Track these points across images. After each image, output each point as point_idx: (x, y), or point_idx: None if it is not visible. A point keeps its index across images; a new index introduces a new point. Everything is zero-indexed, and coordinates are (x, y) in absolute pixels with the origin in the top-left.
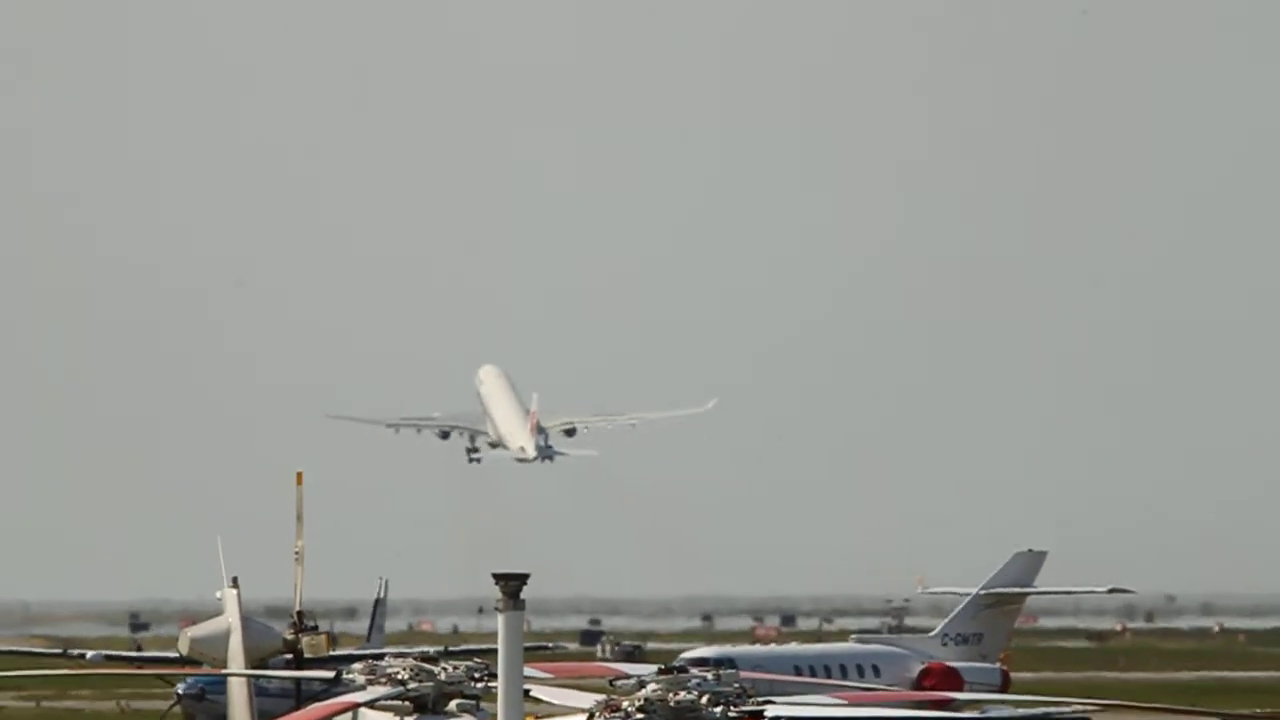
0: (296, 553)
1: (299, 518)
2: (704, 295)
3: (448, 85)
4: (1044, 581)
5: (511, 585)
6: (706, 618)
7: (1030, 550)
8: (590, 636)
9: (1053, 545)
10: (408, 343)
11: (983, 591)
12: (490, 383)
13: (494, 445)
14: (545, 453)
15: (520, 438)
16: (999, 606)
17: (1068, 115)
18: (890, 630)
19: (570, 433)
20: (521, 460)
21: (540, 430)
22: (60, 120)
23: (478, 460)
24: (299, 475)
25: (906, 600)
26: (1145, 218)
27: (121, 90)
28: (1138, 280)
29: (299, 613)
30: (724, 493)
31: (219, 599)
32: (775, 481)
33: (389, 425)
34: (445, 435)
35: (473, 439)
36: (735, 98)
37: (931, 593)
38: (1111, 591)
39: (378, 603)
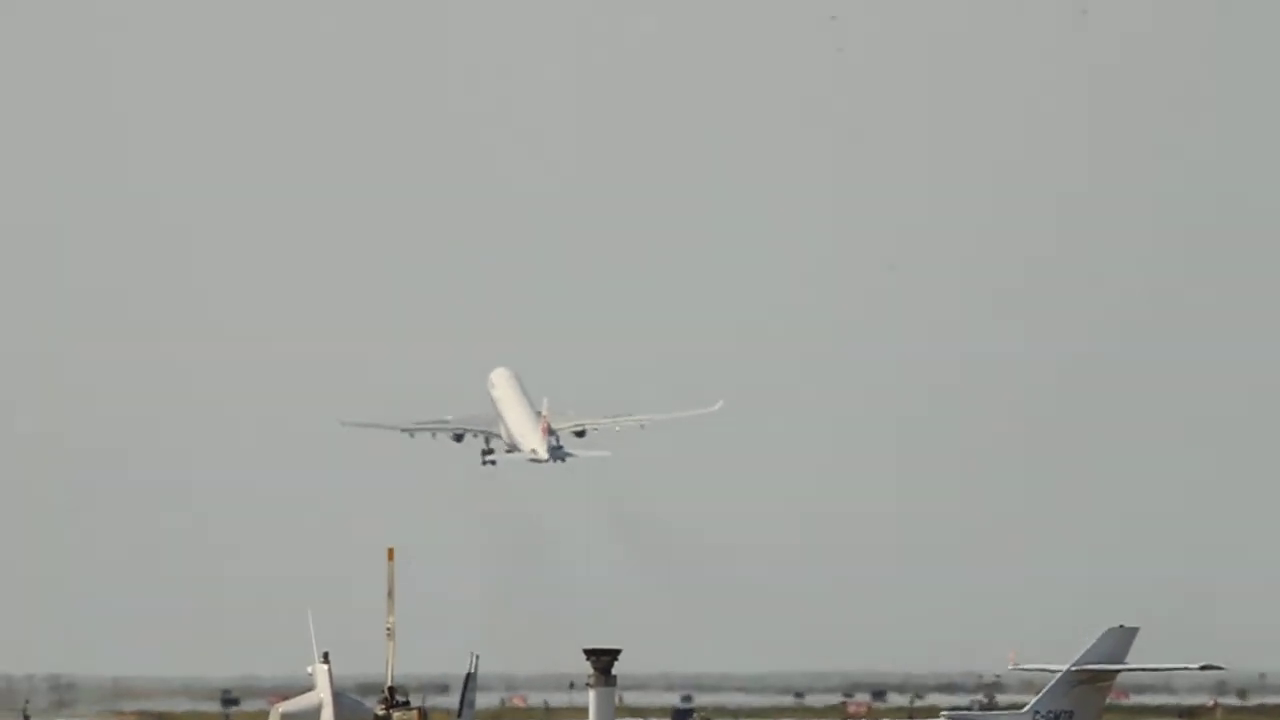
0: (388, 628)
1: (390, 594)
2: (717, 303)
3: (455, 96)
4: (1135, 658)
5: (602, 661)
6: (798, 694)
7: (1122, 626)
8: (682, 715)
9: (1144, 622)
10: (419, 348)
11: (1074, 668)
12: (502, 386)
13: (509, 449)
14: (556, 454)
15: (532, 440)
16: (1091, 683)
17: None
18: (982, 707)
19: (580, 434)
20: (534, 461)
21: (551, 432)
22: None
23: (492, 462)
24: (390, 551)
25: (998, 676)
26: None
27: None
28: (1224, 363)
29: (390, 688)
30: (817, 568)
31: (310, 675)
32: (867, 557)
33: (404, 430)
34: (459, 438)
35: (487, 441)
36: (736, 101)
37: (1023, 669)
38: (1203, 668)
39: (469, 678)
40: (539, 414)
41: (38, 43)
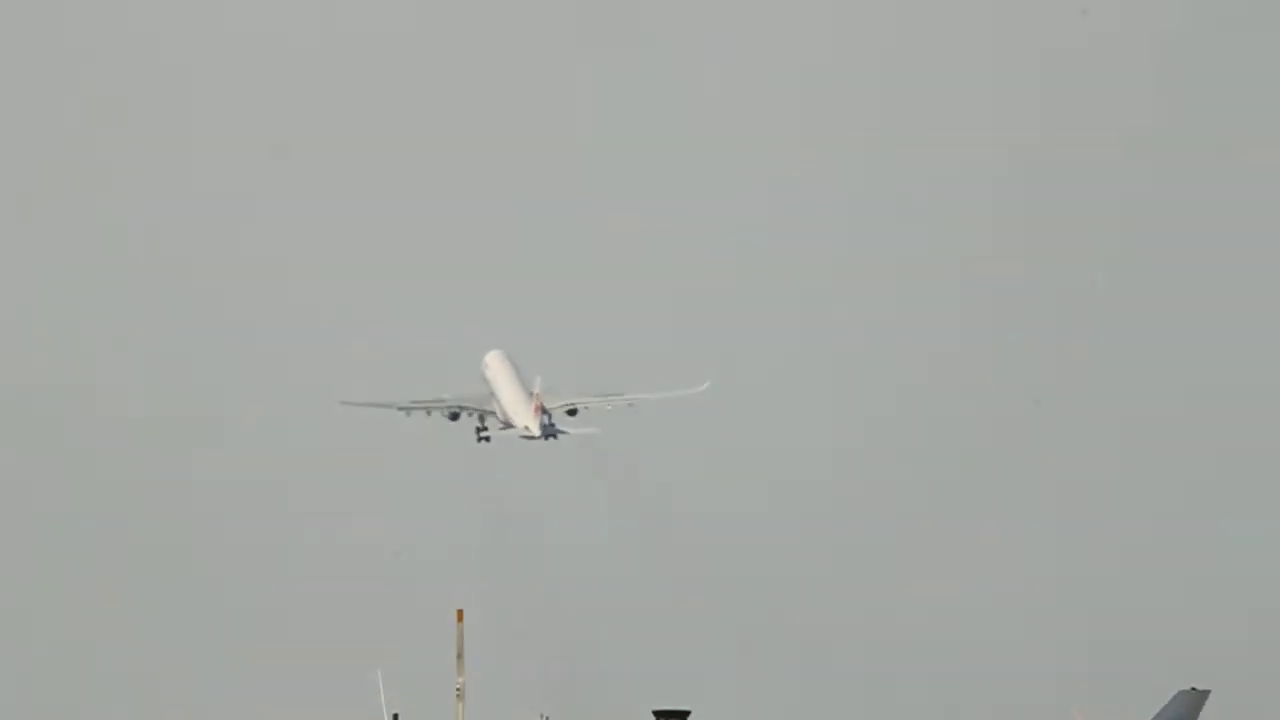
0: (458, 689)
1: (459, 655)
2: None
3: (444, 87)
4: None
5: None
6: None
7: (1193, 689)
8: None
9: (1216, 684)
10: (415, 330)
11: None
12: (495, 366)
13: (503, 427)
14: (549, 431)
15: (525, 418)
16: None
17: None
18: None
19: (572, 413)
20: (526, 438)
21: (544, 411)
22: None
23: (487, 439)
24: (459, 613)
25: None
26: None
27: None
28: None
29: None
30: (878, 633)
31: None
32: (930, 617)
33: (400, 408)
34: (455, 417)
35: (481, 419)
36: (730, 80)
37: None
38: None
39: None
40: (532, 393)
41: None
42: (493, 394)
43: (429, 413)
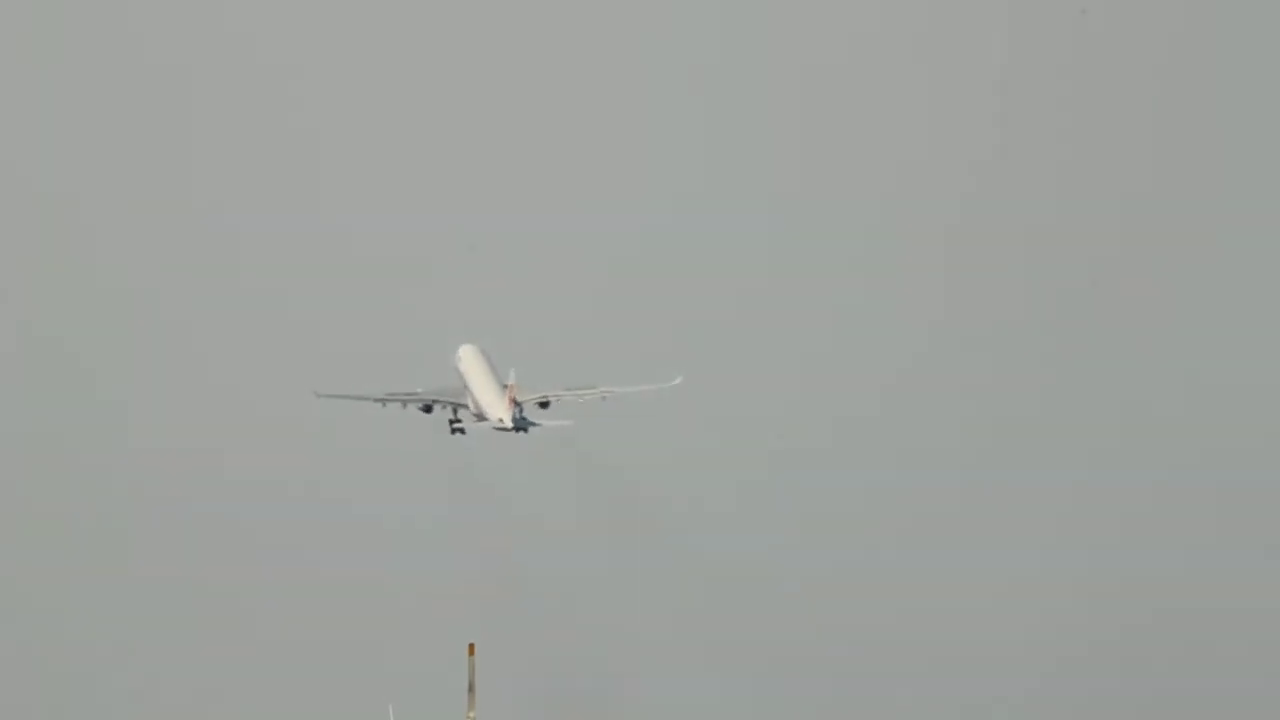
0: None
1: (470, 688)
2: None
3: (432, 77)
4: None
5: None
6: None
7: None
8: None
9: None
10: (390, 325)
11: None
12: (469, 360)
13: (476, 419)
14: (520, 424)
15: (498, 409)
16: None
17: None
18: None
19: (545, 405)
20: (499, 430)
21: (516, 403)
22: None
23: (461, 431)
24: (471, 646)
25: None
26: None
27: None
28: None
29: None
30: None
31: None
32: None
33: (376, 400)
34: (428, 409)
35: (455, 411)
36: (716, 76)
37: None
38: None
39: None
40: (505, 386)
41: None
42: (466, 387)
43: (404, 405)
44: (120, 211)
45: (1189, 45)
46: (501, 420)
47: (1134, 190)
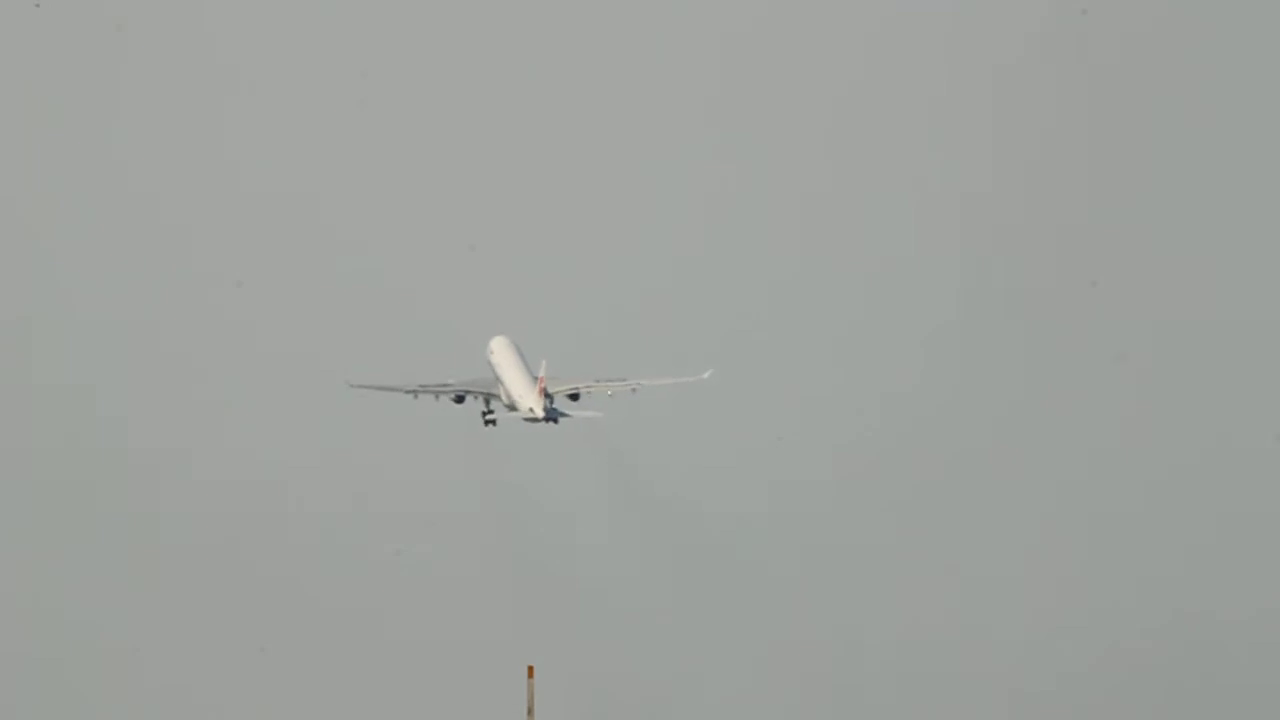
0: None
1: (530, 710)
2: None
3: (446, 79)
4: None
5: None
6: None
7: None
8: None
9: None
10: (423, 317)
11: None
12: (500, 352)
13: (508, 409)
14: (551, 414)
15: (529, 400)
16: None
17: None
18: None
19: (575, 396)
20: (530, 420)
21: (547, 395)
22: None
23: (493, 423)
24: (530, 669)
25: None
26: None
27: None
28: None
29: None
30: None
31: None
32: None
33: (408, 391)
34: (460, 400)
35: (487, 402)
36: (738, 73)
37: None
38: None
39: None
40: (536, 377)
41: None
42: (497, 378)
43: (436, 396)
44: (152, 197)
45: (1188, 45)
46: (532, 410)
47: (1133, 190)
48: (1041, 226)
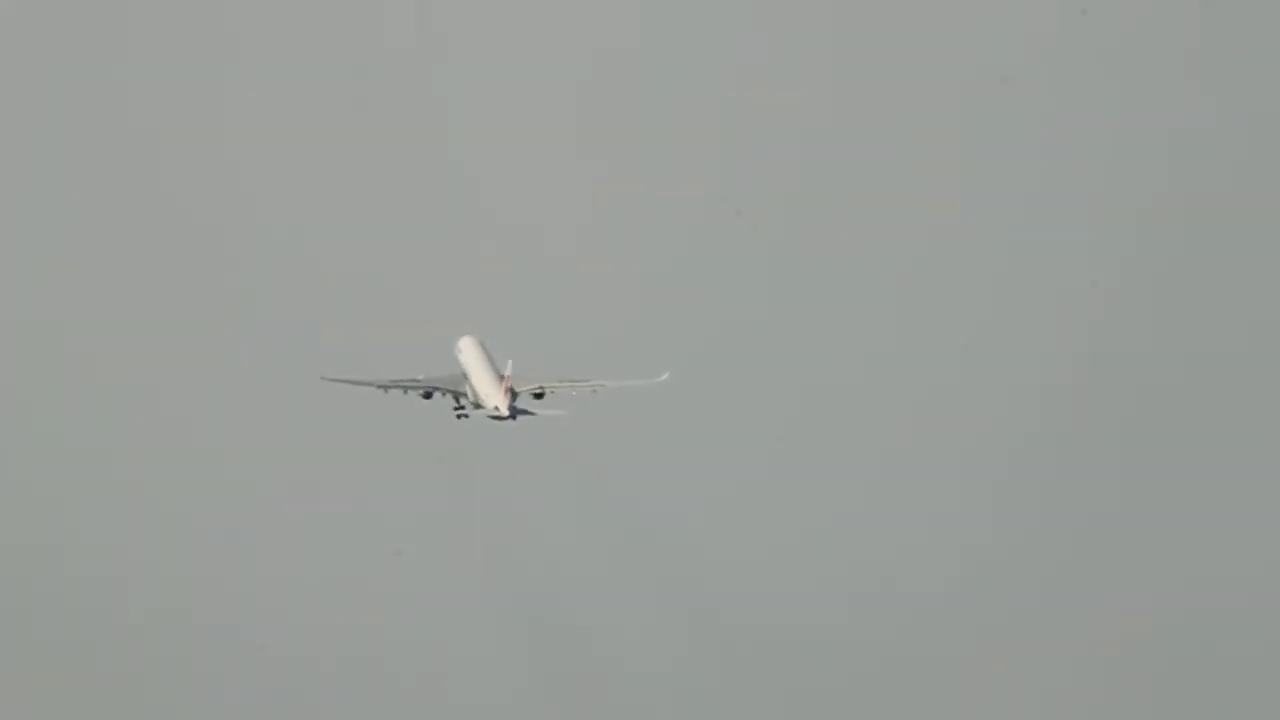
0: None
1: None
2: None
3: (420, 74)
4: None
5: None
6: None
7: None
8: None
9: None
10: (394, 316)
11: None
12: (468, 351)
13: (474, 406)
14: (515, 412)
15: (495, 398)
16: None
17: None
18: None
19: (539, 395)
20: (495, 418)
21: (512, 393)
22: None
23: (465, 416)
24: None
25: None
26: None
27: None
28: None
29: None
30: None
31: None
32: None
33: (379, 386)
34: (428, 396)
35: (456, 399)
36: (714, 70)
37: None
38: None
39: None
40: (502, 376)
41: None
42: (465, 376)
43: (405, 391)
44: (120, 188)
45: (1189, 45)
46: (497, 409)
47: (1131, 190)
48: (1042, 225)
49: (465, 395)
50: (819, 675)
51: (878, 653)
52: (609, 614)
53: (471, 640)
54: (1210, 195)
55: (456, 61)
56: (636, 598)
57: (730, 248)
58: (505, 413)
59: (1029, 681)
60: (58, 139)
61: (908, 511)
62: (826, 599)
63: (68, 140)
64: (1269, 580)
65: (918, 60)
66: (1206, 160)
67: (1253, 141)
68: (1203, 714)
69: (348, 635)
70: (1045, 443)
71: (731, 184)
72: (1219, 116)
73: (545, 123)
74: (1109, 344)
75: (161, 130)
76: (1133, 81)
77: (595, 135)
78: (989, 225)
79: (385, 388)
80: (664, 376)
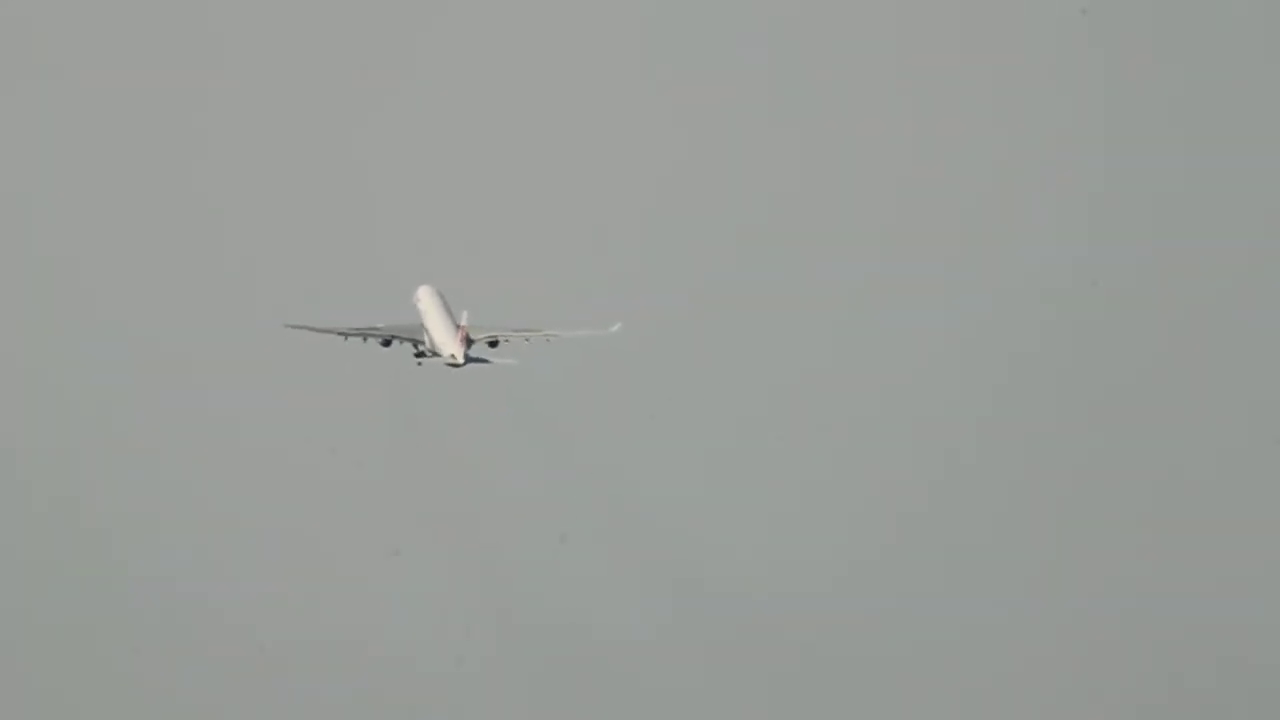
0: None
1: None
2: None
3: (387, 34)
4: None
5: None
6: None
7: None
8: None
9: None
10: (355, 264)
11: None
12: (426, 300)
13: (431, 354)
14: (470, 360)
15: (451, 346)
16: None
17: None
18: None
19: (494, 344)
20: (451, 365)
21: (468, 341)
22: None
23: (423, 358)
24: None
25: None
26: None
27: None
28: None
29: None
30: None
31: None
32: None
33: (340, 333)
34: (387, 344)
35: (415, 345)
36: (675, 39)
37: None
38: None
39: None
40: (458, 325)
41: None
42: (422, 324)
43: (364, 339)
44: (93, 140)
45: (1188, 45)
46: (453, 356)
47: (1131, 189)
48: (1042, 226)
49: (423, 343)
50: (780, 630)
51: (837, 604)
52: (558, 559)
53: (423, 594)
54: (1210, 195)
55: (421, 17)
56: (586, 544)
57: (689, 197)
58: (462, 360)
59: (1000, 665)
60: (24, 92)
61: (857, 460)
62: (785, 553)
63: (28, 87)
64: (1264, 575)
65: (912, 53)
66: (1207, 160)
67: (1254, 141)
68: (1202, 715)
69: (296, 585)
70: (1012, 413)
71: (691, 132)
72: (1219, 116)
73: (503, 73)
74: (1097, 331)
75: (129, 81)
76: (1132, 81)
77: (552, 86)
78: (952, 173)
79: (346, 335)
80: (616, 327)
